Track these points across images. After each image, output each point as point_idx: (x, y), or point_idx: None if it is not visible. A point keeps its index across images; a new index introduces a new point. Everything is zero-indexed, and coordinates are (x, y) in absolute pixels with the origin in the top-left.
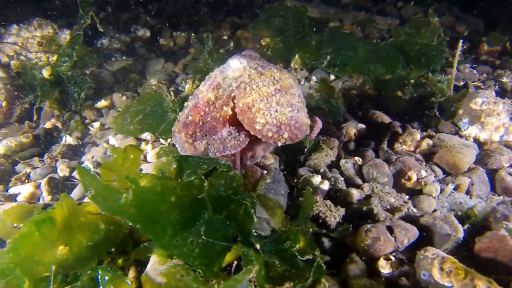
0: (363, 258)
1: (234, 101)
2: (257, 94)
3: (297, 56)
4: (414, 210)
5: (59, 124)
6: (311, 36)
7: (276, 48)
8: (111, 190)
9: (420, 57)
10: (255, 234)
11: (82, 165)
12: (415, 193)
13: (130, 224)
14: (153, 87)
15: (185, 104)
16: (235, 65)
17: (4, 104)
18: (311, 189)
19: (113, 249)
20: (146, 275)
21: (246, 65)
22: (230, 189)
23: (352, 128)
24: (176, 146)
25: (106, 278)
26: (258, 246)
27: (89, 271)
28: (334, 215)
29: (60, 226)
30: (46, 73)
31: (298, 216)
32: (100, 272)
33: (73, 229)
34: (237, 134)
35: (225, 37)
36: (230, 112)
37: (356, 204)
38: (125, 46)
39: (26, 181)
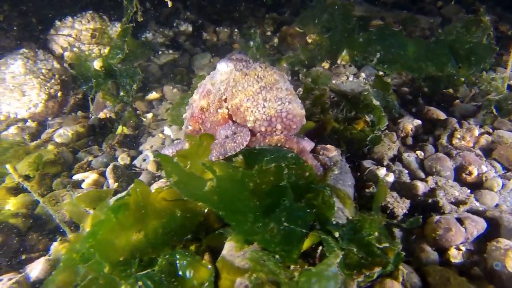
0: (433, 248)
1: (225, 103)
2: (243, 94)
3: (344, 52)
4: (477, 204)
5: (112, 115)
6: (360, 34)
7: (323, 45)
8: (194, 177)
9: (470, 55)
10: (334, 222)
11: (143, 154)
12: (475, 187)
13: (206, 210)
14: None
15: (184, 115)
16: (223, 69)
17: (59, 94)
18: (384, 180)
19: (189, 236)
20: (223, 260)
21: (232, 68)
22: (302, 179)
23: (409, 124)
24: None
25: (185, 262)
26: (337, 234)
27: (167, 256)
28: (401, 206)
29: (135, 212)
30: (97, 64)
31: (368, 206)
32: (178, 256)
33: (148, 216)
34: (234, 136)
35: (269, 33)
36: (227, 111)
37: (421, 196)
38: (169, 40)
39: (88, 168)
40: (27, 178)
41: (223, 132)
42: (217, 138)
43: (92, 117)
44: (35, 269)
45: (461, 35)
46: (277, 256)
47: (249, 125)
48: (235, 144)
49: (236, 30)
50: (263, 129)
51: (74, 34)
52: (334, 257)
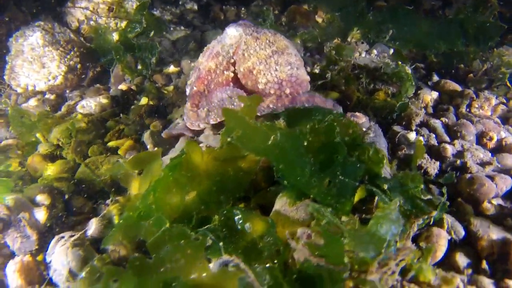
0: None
1: (235, 66)
2: (256, 58)
3: (355, 30)
4: (499, 165)
5: (133, 87)
6: (371, 13)
7: (335, 23)
8: (259, 131)
9: (479, 34)
10: (383, 176)
11: (175, 122)
12: (496, 152)
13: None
14: None
15: (188, 82)
16: (232, 33)
17: (79, 66)
18: (422, 140)
19: (241, 194)
20: (277, 214)
21: (242, 32)
22: (346, 136)
23: (428, 95)
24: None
25: (243, 217)
26: (385, 187)
27: (225, 211)
28: (433, 166)
29: (189, 171)
30: (114, 38)
31: (402, 167)
32: (237, 212)
33: (201, 175)
34: (232, 99)
35: (276, 12)
36: (232, 75)
37: (450, 158)
38: (176, 18)
39: (119, 136)
40: (59, 146)
41: (219, 95)
42: (213, 100)
43: (112, 89)
44: (90, 229)
45: (470, 14)
46: (329, 209)
47: (260, 87)
48: (233, 107)
49: (243, 8)
50: (272, 91)
51: (92, 7)
52: (394, 203)
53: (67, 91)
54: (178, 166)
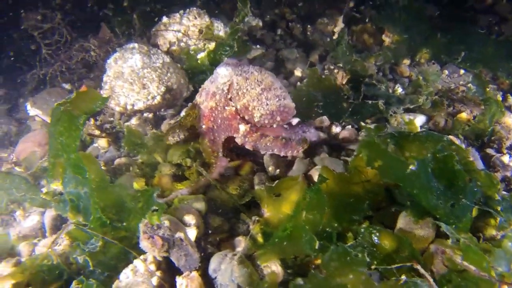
0: None
1: (231, 101)
2: (249, 96)
3: (423, 51)
4: None
5: None
6: (442, 34)
7: (404, 44)
8: (399, 162)
9: None
10: (496, 198)
11: None
12: None
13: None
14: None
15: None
16: (223, 72)
17: (175, 87)
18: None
19: (369, 213)
20: (403, 231)
21: (231, 71)
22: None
23: (508, 118)
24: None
25: (378, 234)
26: (498, 208)
27: (363, 229)
28: None
29: (326, 194)
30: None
31: None
32: (374, 230)
33: (336, 196)
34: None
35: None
36: (234, 108)
37: None
38: (245, 35)
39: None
40: (178, 166)
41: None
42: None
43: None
44: (239, 247)
45: None
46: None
47: (255, 119)
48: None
49: (309, 26)
50: (266, 121)
51: (183, 30)
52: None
53: (162, 110)
54: (319, 190)
